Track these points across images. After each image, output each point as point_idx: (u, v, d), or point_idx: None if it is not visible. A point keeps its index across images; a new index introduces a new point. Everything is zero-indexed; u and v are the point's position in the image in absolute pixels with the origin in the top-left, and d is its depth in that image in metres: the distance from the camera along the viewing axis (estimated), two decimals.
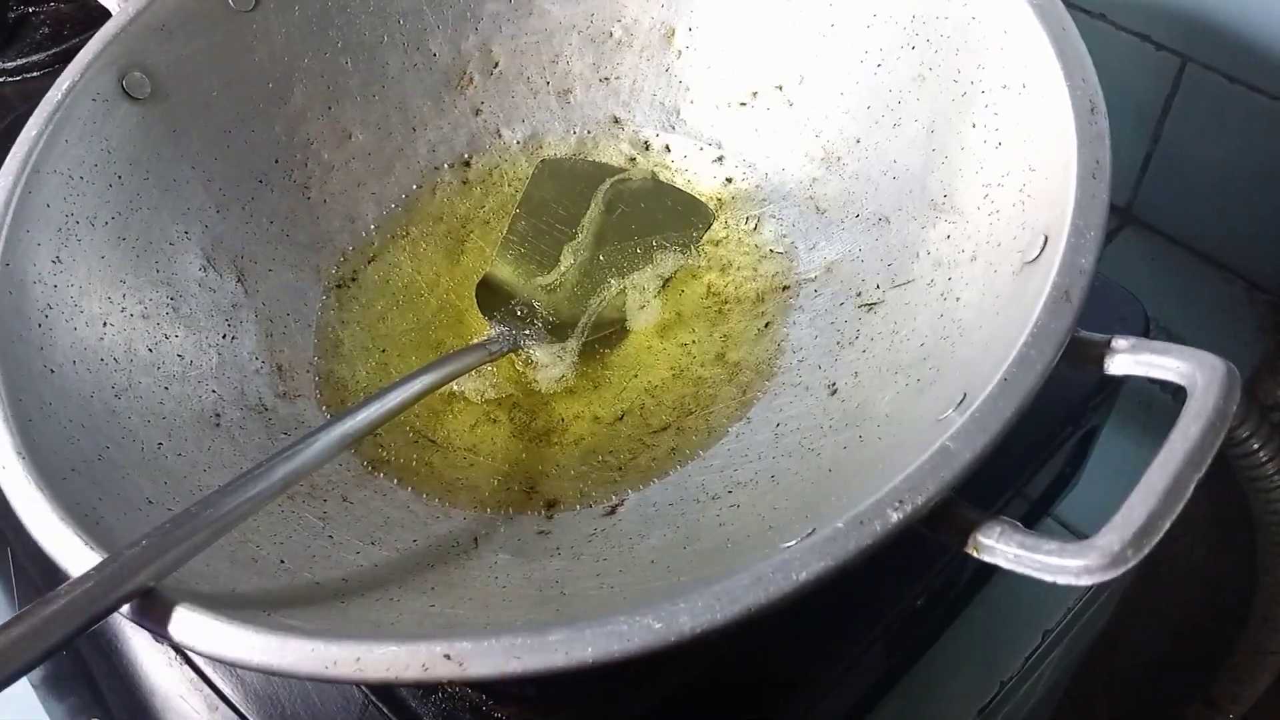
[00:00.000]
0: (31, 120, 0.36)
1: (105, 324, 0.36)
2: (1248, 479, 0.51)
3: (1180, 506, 0.23)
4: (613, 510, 0.35)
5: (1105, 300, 0.41)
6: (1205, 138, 0.52)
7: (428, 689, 0.35)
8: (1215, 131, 0.51)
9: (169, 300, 0.38)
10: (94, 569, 0.25)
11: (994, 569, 0.45)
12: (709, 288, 0.42)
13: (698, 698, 0.35)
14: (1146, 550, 0.23)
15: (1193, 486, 0.23)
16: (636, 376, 0.39)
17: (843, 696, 0.40)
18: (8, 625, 0.23)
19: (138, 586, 0.25)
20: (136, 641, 0.40)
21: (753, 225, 0.43)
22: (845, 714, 0.41)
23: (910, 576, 0.38)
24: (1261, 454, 0.50)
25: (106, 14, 0.40)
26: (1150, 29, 0.51)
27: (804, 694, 0.36)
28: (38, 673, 0.48)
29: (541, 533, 0.34)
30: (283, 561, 0.31)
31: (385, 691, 0.35)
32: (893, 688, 0.43)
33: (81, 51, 0.38)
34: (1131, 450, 0.50)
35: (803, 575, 0.23)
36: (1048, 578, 0.23)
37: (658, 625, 0.23)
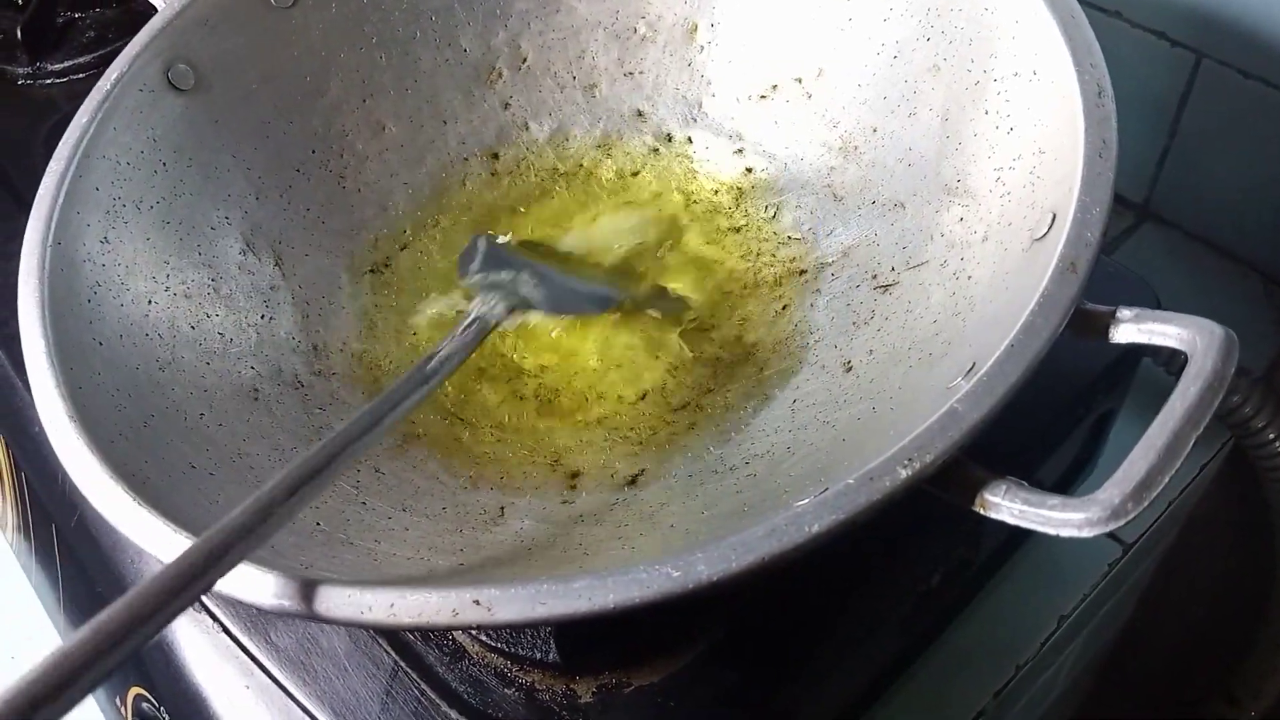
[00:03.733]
0: (82, 108, 0.38)
1: (150, 302, 0.37)
2: (1265, 470, 0.52)
3: (1179, 462, 0.24)
4: (633, 480, 0.36)
5: (1116, 285, 0.42)
6: (1221, 133, 0.52)
7: (455, 656, 0.37)
8: (1230, 127, 0.52)
9: (210, 281, 0.40)
10: (174, 563, 0.24)
11: (1008, 551, 0.46)
12: (729, 273, 0.43)
13: (712, 672, 0.35)
14: (1146, 503, 0.23)
15: (1191, 443, 0.24)
16: (658, 358, 0.41)
17: (858, 676, 0.41)
18: (104, 618, 0.22)
19: (219, 574, 0.25)
20: None
21: (772, 213, 0.44)
22: (860, 694, 0.42)
23: (925, 557, 0.39)
24: (1279, 444, 0.50)
25: (148, 19, 0.42)
26: (1165, 26, 0.51)
27: (819, 673, 0.37)
28: None
29: (565, 502, 0.35)
30: (319, 524, 0.32)
31: (414, 657, 0.36)
32: (908, 668, 0.43)
33: (129, 44, 0.40)
34: None
35: (815, 527, 0.24)
36: (1051, 530, 0.24)
37: (676, 573, 0.24)
